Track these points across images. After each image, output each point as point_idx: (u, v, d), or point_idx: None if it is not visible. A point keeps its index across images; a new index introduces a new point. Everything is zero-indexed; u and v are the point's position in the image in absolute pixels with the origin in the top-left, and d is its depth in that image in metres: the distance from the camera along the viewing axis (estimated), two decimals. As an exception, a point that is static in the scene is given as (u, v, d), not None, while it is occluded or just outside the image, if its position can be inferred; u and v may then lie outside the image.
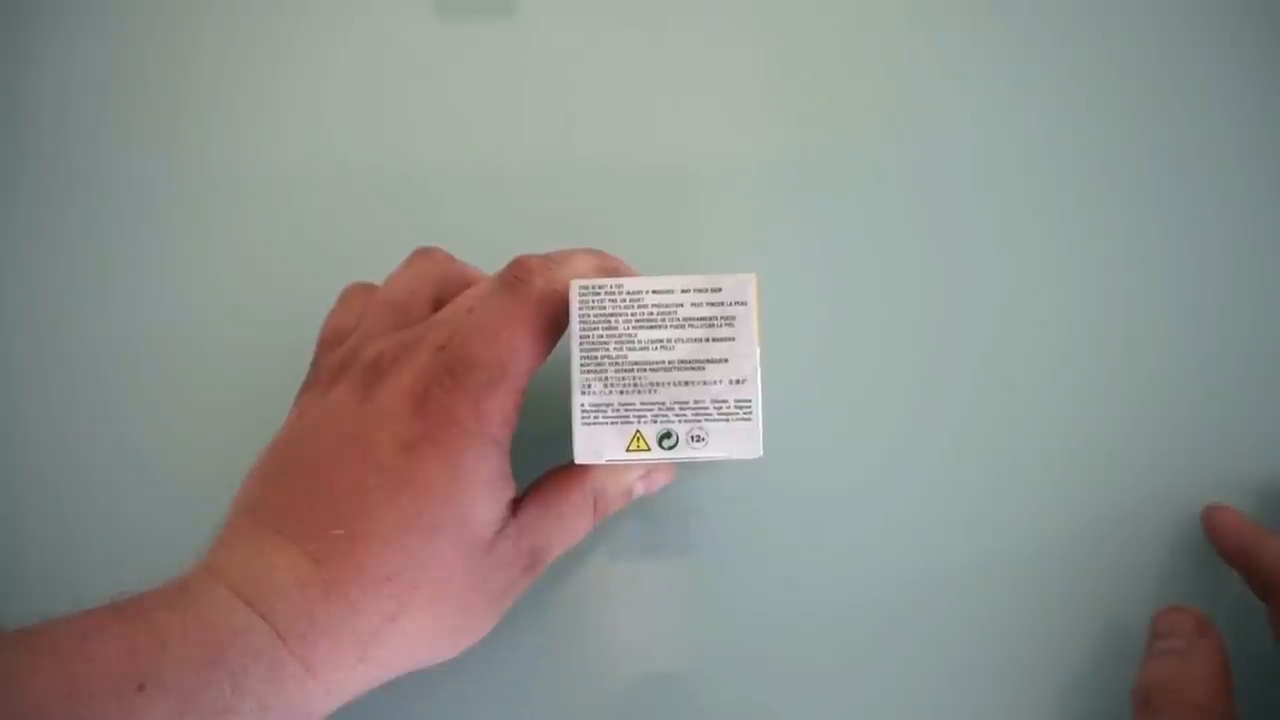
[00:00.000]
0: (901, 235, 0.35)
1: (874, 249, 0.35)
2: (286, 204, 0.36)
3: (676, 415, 0.25)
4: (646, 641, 0.32)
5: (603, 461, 0.25)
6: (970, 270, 0.34)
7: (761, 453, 0.25)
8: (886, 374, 0.34)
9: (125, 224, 0.35)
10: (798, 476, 0.32)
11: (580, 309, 0.25)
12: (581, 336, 0.25)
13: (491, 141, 0.36)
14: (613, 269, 0.28)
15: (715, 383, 0.25)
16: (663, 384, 0.25)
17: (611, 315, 0.25)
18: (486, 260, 0.30)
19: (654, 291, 0.25)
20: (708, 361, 0.25)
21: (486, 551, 0.26)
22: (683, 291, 0.25)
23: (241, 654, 0.22)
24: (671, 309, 0.25)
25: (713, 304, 0.25)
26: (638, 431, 0.25)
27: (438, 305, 0.29)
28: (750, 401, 0.25)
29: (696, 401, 0.25)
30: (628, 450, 0.25)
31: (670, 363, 0.25)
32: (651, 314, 0.25)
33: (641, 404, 0.25)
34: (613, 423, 0.25)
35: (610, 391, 0.25)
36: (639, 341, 0.25)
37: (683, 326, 0.25)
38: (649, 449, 0.25)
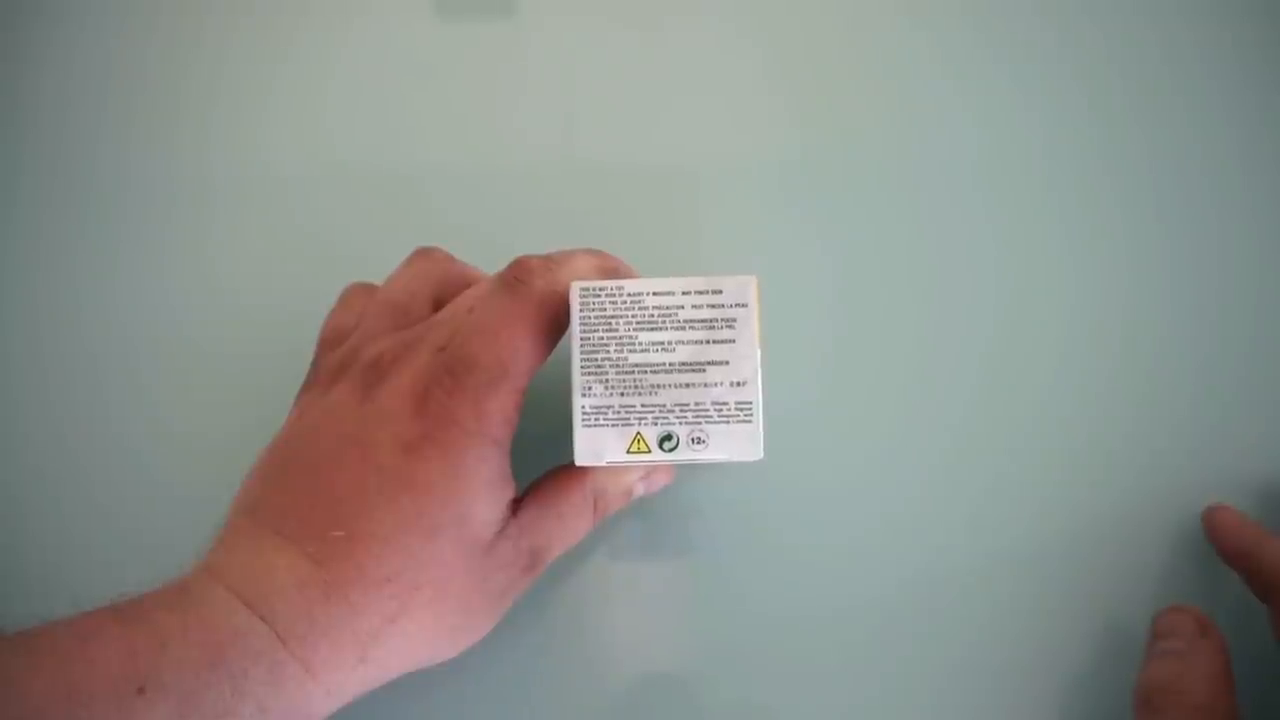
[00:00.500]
0: (902, 236, 0.35)
1: (874, 250, 0.35)
2: (286, 204, 0.36)
3: (677, 417, 0.25)
4: (646, 641, 0.32)
5: (603, 463, 0.25)
6: (970, 271, 0.34)
7: (762, 455, 0.25)
8: (887, 375, 0.34)
9: (125, 224, 0.35)
10: (798, 477, 0.32)
11: (581, 311, 0.25)
12: (582, 338, 0.25)
13: (491, 141, 0.36)
14: (613, 269, 0.28)
15: (716, 385, 0.25)
16: (663, 386, 0.25)
17: (612, 317, 0.25)
18: (486, 260, 0.30)
19: (655, 293, 0.25)
20: (708, 363, 0.25)
21: (487, 552, 0.26)
22: (683, 293, 0.25)
23: (241, 655, 0.22)
24: (672, 311, 0.25)
25: (713, 306, 0.25)
26: (638, 433, 0.25)
27: (438, 305, 0.29)
28: (751, 403, 0.25)
29: (697, 403, 0.25)
30: (628, 452, 0.25)
31: (671, 365, 0.25)
32: (652, 316, 0.25)
33: (642, 406, 0.25)
34: (613, 425, 0.25)
35: (611, 393, 0.25)
36: (640, 343, 0.25)
37: (683, 328, 0.25)
38: (649, 451, 0.25)
